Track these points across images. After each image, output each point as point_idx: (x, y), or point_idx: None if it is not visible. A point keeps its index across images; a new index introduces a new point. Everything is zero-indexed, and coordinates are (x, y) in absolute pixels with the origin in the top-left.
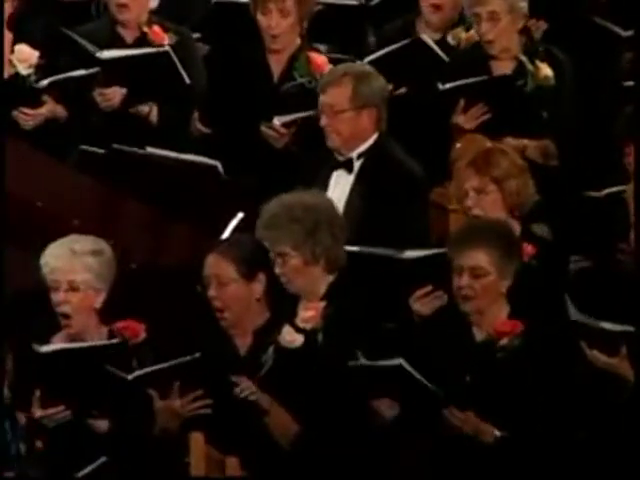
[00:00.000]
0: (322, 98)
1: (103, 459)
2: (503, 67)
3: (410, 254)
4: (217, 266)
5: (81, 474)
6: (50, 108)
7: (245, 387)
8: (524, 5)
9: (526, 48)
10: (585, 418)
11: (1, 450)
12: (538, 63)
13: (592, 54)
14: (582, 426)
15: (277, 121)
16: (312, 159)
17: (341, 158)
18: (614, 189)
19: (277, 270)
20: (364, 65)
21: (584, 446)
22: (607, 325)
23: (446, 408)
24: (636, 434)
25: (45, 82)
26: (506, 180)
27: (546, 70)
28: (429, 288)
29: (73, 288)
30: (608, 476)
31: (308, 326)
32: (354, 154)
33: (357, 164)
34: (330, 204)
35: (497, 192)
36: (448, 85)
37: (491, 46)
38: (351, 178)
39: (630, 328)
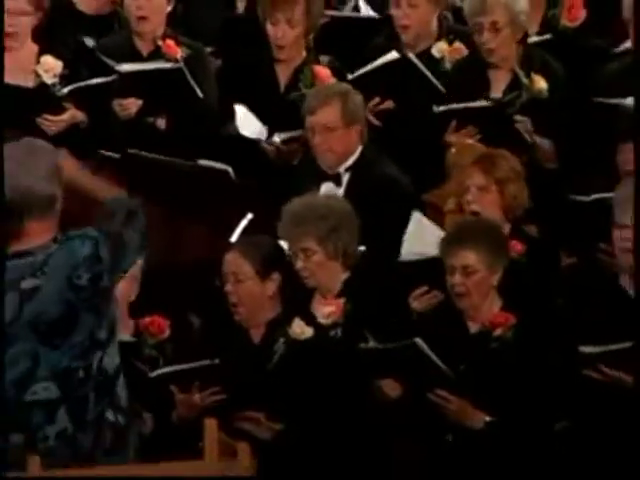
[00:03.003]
0: (313, 118)
1: None
2: (500, 77)
3: (407, 257)
4: (235, 264)
5: None
6: (72, 114)
7: None
8: (524, 18)
9: (523, 59)
10: (569, 405)
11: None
12: (533, 76)
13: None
14: (565, 413)
15: (277, 138)
16: (300, 171)
17: (330, 171)
18: (601, 195)
19: (299, 265)
20: (345, 84)
21: (567, 433)
22: (587, 349)
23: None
24: (617, 422)
25: (66, 90)
26: (507, 183)
27: (540, 83)
28: (425, 288)
29: None
30: (590, 461)
31: (329, 321)
32: (342, 169)
33: (345, 178)
34: (348, 205)
35: (497, 193)
36: (442, 108)
37: (491, 54)
38: (340, 191)
39: (611, 347)
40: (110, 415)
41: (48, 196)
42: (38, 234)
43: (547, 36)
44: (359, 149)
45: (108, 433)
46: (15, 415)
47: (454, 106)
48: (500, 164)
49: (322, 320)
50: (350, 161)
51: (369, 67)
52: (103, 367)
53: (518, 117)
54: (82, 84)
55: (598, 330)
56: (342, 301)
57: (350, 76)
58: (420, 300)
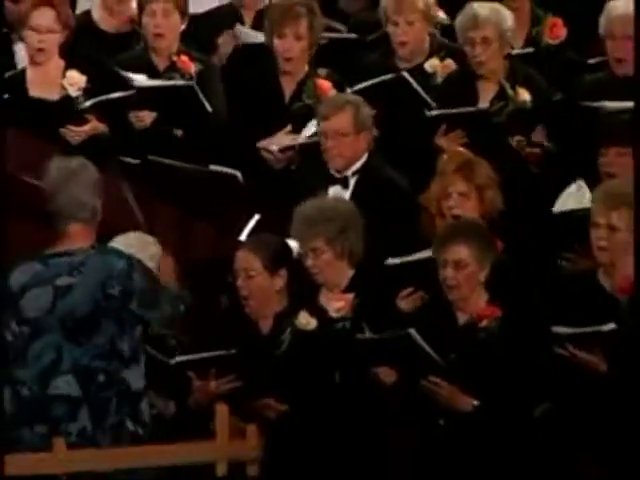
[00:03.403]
0: (326, 124)
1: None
2: (488, 89)
3: (394, 260)
4: (246, 260)
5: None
6: (93, 126)
7: None
8: (510, 34)
9: (509, 73)
10: (549, 391)
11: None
12: (518, 88)
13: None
14: (546, 396)
15: (275, 146)
16: (308, 175)
17: (338, 175)
18: (572, 208)
19: (309, 263)
20: (356, 95)
21: (548, 414)
22: (559, 329)
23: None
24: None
25: (88, 103)
26: (485, 189)
27: (525, 95)
28: (411, 289)
29: None
30: (569, 438)
31: (339, 315)
32: (349, 172)
33: (352, 181)
34: (354, 208)
35: (477, 199)
36: (434, 112)
37: (481, 66)
38: (347, 193)
39: (586, 329)
40: (130, 425)
41: (92, 206)
42: (79, 238)
43: (529, 49)
44: (365, 155)
45: (126, 439)
46: (38, 406)
47: (445, 111)
48: (479, 171)
49: (333, 314)
50: (357, 165)
51: (366, 83)
52: (126, 379)
53: (518, 137)
54: (103, 98)
55: (575, 321)
56: (351, 296)
57: (349, 90)
58: (406, 300)
